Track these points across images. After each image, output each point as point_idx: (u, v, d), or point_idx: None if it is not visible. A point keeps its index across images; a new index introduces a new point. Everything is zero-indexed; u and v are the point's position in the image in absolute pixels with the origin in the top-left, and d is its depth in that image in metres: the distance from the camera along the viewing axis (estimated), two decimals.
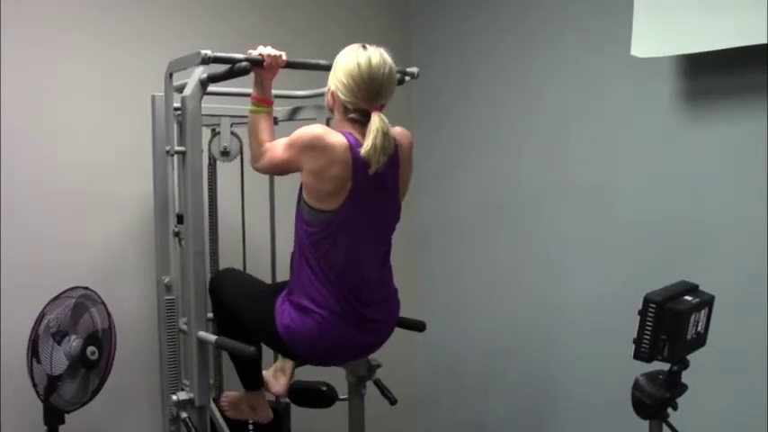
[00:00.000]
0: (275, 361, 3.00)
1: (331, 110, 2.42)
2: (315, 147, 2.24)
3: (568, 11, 3.34)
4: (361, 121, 2.31)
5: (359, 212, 2.32)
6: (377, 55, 2.30)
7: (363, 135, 2.28)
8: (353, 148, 2.26)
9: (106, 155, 3.14)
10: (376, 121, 2.26)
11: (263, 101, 2.47)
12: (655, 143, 3.04)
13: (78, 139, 3.09)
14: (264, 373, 2.83)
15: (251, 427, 3.11)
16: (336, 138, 2.26)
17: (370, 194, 2.33)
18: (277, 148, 2.38)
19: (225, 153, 3.03)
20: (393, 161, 2.36)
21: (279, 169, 2.43)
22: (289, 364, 2.93)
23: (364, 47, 2.32)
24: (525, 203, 3.57)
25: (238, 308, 2.57)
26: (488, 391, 3.81)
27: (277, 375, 2.91)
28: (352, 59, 2.29)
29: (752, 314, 2.73)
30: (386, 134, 2.27)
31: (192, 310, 2.53)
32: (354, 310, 2.39)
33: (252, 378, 2.73)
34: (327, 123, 2.81)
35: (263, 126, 2.45)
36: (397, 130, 2.40)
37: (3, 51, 2.91)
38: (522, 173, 3.58)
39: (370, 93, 2.28)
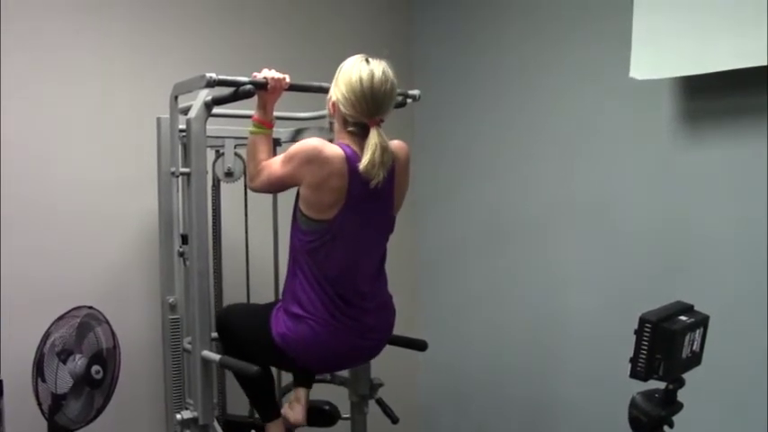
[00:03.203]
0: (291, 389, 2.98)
1: (331, 117, 2.46)
2: (314, 160, 2.28)
3: (569, 33, 3.37)
4: (360, 134, 2.35)
5: (354, 221, 2.35)
6: (379, 70, 2.33)
7: (361, 147, 2.32)
8: (350, 159, 2.30)
9: (112, 176, 3.18)
10: (374, 136, 2.30)
11: (264, 123, 2.51)
12: (654, 164, 3.06)
13: (85, 161, 3.12)
14: (282, 410, 2.80)
15: None
16: (334, 150, 2.30)
17: (366, 204, 2.36)
18: (274, 164, 2.41)
19: (228, 174, 3.05)
20: (389, 173, 2.38)
21: (277, 185, 2.46)
22: (302, 392, 2.87)
23: (367, 60, 2.35)
24: (526, 223, 3.59)
25: (240, 329, 2.60)
26: (490, 410, 3.81)
27: (293, 406, 2.84)
28: (355, 74, 2.32)
29: (749, 333, 2.74)
30: (384, 149, 2.31)
31: (197, 330, 2.55)
32: (349, 317, 2.42)
33: (267, 409, 2.72)
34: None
35: (262, 147, 2.48)
36: (394, 143, 2.44)
37: (7, 70, 2.95)
38: (522, 193, 3.60)
39: (370, 108, 2.32)
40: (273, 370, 2.81)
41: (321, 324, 2.38)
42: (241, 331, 2.59)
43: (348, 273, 2.41)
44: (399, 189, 2.49)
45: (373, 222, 2.44)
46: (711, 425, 2.83)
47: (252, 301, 3.31)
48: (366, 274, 2.47)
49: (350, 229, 2.36)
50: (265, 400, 2.72)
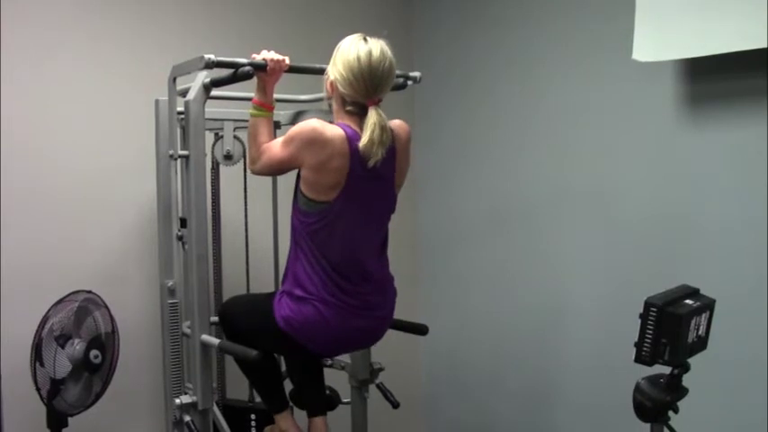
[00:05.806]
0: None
1: (329, 98, 2.43)
2: (315, 141, 2.26)
3: (570, 15, 3.34)
4: (359, 114, 2.33)
5: (355, 203, 2.33)
6: (377, 49, 2.30)
7: (361, 127, 2.30)
8: (351, 139, 2.28)
9: (110, 159, 3.15)
10: (373, 115, 2.27)
11: (265, 105, 2.48)
12: (656, 147, 3.04)
13: (82, 144, 3.10)
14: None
15: (253, 423, 3.13)
16: (334, 130, 2.27)
17: (367, 185, 2.34)
18: (274, 147, 2.39)
19: (228, 157, 3.03)
20: (390, 152, 2.37)
21: (277, 168, 2.43)
22: (320, 421, 2.78)
23: (365, 39, 2.32)
24: (527, 207, 3.57)
25: (243, 319, 2.58)
26: (490, 395, 3.81)
27: None
28: (353, 53, 2.29)
29: (753, 317, 2.73)
30: (383, 128, 2.28)
31: (195, 314, 2.53)
32: (352, 296, 2.40)
33: (275, 399, 2.70)
34: None
35: (263, 130, 2.45)
36: (395, 123, 2.42)
37: (4, 55, 2.92)
38: (523, 177, 3.58)
39: (369, 88, 2.29)
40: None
41: (325, 304, 2.36)
42: (244, 320, 2.57)
43: (351, 253, 2.39)
44: (400, 169, 2.47)
45: (375, 202, 2.42)
46: (711, 410, 2.82)
47: (251, 284, 3.30)
48: (369, 254, 2.46)
49: (351, 210, 2.34)
50: (272, 390, 2.69)
